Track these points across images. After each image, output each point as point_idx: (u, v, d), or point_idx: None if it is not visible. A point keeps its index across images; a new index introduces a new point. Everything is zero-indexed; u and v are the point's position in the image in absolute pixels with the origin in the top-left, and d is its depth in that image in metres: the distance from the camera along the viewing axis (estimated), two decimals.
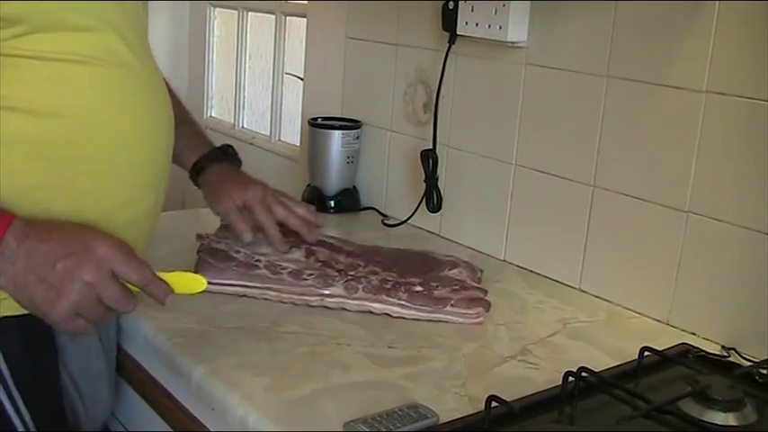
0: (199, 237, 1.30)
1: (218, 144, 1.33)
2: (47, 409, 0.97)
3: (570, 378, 0.94)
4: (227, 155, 1.30)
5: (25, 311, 0.92)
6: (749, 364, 1.04)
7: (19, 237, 0.84)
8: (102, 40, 0.92)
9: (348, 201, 1.68)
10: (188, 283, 0.94)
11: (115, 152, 0.95)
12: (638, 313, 1.22)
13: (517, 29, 1.34)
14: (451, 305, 1.15)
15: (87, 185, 0.93)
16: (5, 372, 0.93)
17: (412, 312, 1.14)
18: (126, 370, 1.20)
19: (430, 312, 1.14)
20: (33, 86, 0.89)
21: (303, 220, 1.25)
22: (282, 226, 1.24)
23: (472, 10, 1.38)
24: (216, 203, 1.25)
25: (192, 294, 0.93)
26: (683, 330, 1.17)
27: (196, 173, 1.27)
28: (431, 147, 1.50)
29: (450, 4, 1.42)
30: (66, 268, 0.83)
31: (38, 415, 0.95)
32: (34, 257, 0.84)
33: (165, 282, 0.89)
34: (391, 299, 1.15)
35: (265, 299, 1.17)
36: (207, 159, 1.27)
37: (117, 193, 0.96)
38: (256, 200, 1.22)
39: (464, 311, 1.14)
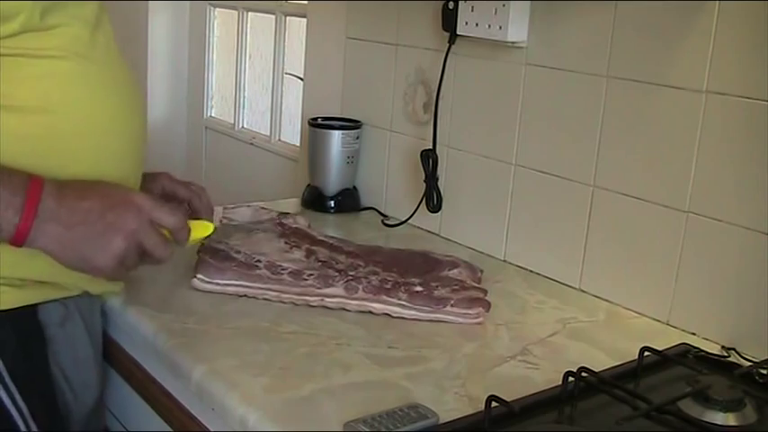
0: None
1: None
2: (41, 401, 0.98)
3: (570, 378, 0.94)
4: None
5: (16, 306, 0.93)
6: (749, 364, 1.04)
7: (56, 197, 0.86)
8: (74, 33, 0.95)
9: (348, 201, 1.68)
10: (201, 229, 1.04)
11: (97, 144, 0.97)
12: (638, 313, 1.22)
13: (517, 29, 1.33)
14: (451, 305, 1.15)
15: (72, 177, 0.94)
16: (1, 367, 0.93)
17: (412, 312, 1.14)
18: (125, 370, 1.20)
19: (430, 312, 1.14)
20: (22, 84, 0.91)
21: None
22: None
23: (472, 10, 1.38)
24: None
25: (205, 238, 1.05)
26: (683, 330, 1.17)
27: None
28: (431, 147, 1.50)
29: (450, 4, 1.42)
30: (111, 220, 0.88)
31: (34, 409, 0.96)
32: (76, 214, 0.87)
33: (188, 228, 0.97)
34: (391, 299, 1.15)
35: (265, 299, 1.17)
36: None
37: (111, 174, 0.98)
38: (171, 183, 1.22)
39: (464, 311, 1.14)
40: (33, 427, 0.96)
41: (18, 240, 0.86)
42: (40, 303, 0.98)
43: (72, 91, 0.94)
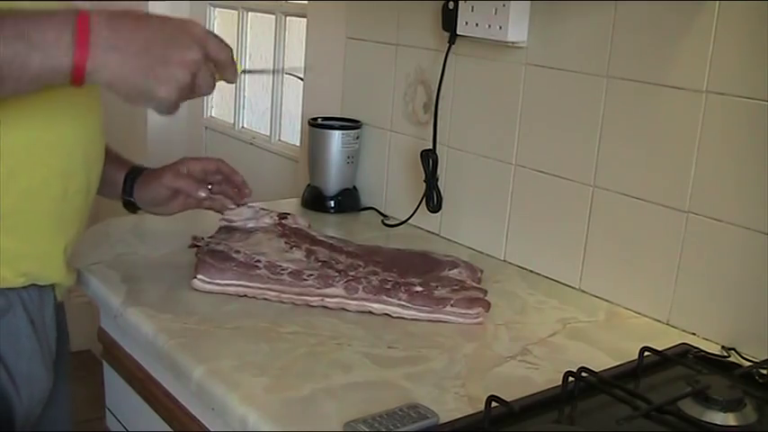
0: (195, 238, 1.30)
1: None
2: None
3: (570, 378, 0.94)
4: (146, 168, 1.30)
5: None
6: (749, 364, 1.04)
7: (110, 27, 0.83)
8: None
9: (348, 201, 1.68)
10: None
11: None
12: (638, 313, 1.22)
13: (517, 29, 1.34)
14: (451, 305, 1.15)
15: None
16: None
17: (412, 312, 1.14)
18: (126, 370, 1.21)
19: (430, 312, 1.14)
20: None
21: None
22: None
23: (472, 10, 1.38)
24: (157, 181, 1.24)
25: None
26: (683, 330, 1.17)
27: (130, 185, 1.26)
28: (431, 147, 1.50)
29: (451, 4, 1.42)
30: (172, 50, 0.86)
31: None
32: (135, 43, 0.84)
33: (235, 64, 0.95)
34: (391, 299, 1.15)
35: (265, 299, 1.17)
36: (131, 174, 1.27)
37: (53, 166, 1.00)
38: (192, 163, 1.25)
39: (464, 311, 1.14)
40: None
41: (78, 75, 0.82)
42: None
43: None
